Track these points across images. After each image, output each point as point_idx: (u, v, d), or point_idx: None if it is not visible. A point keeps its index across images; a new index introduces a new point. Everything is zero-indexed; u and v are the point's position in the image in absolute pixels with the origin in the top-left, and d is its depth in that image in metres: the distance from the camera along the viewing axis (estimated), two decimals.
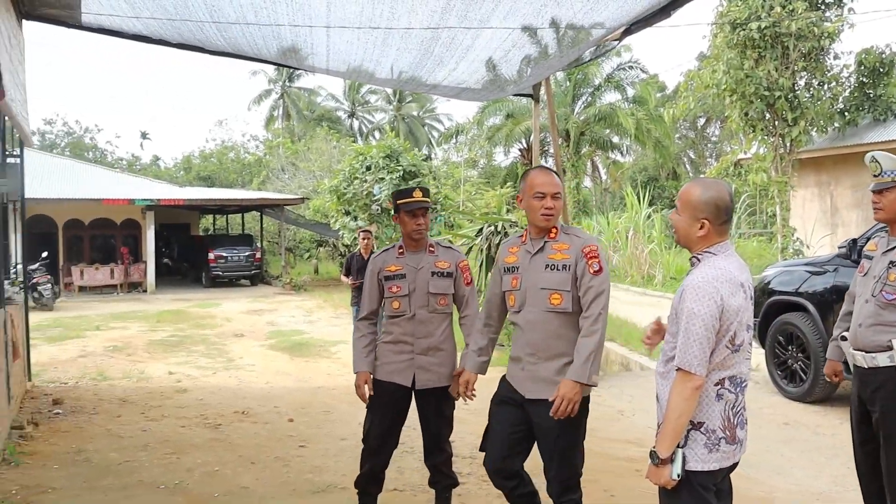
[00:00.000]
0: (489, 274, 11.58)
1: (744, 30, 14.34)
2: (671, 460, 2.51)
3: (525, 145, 35.28)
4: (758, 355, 7.89)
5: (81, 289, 20.74)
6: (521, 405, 3.30)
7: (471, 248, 12.49)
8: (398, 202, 3.91)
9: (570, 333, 3.22)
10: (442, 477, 4.06)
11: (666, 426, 2.52)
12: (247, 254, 22.86)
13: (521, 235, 3.41)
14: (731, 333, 2.53)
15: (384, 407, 3.93)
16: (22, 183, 8.19)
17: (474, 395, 3.65)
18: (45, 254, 17.87)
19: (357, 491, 4.04)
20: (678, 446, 2.52)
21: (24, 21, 7.52)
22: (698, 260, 2.63)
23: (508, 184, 21.28)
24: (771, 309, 7.46)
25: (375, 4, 5.13)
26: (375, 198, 17.72)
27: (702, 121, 39.18)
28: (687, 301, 2.52)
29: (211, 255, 22.19)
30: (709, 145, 41.63)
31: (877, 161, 3.48)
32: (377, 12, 5.22)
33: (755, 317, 7.64)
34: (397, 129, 45.66)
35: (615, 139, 34.00)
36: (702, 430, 2.55)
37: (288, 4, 5.32)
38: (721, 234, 2.61)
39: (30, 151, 22.54)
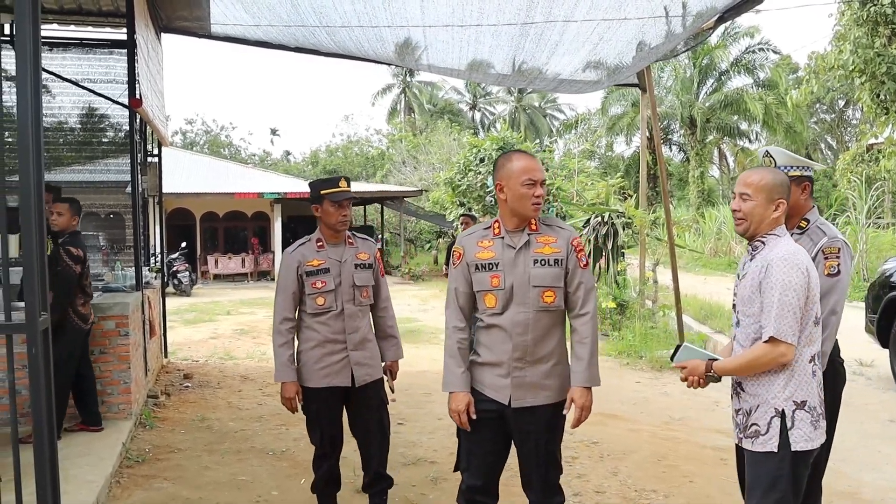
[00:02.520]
0: (595, 266, 11.69)
1: (875, 5, 13.51)
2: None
3: (648, 134, 34.56)
4: (870, 350, 7.64)
5: (216, 277, 22.29)
6: (501, 415, 3.01)
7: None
8: (322, 192, 3.67)
9: (557, 333, 3.01)
10: (380, 479, 3.93)
11: (732, 365, 2.69)
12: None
13: (490, 227, 3.06)
14: (816, 306, 2.62)
15: (327, 413, 3.77)
16: (160, 179, 9.03)
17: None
18: (184, 244, 19.37)
19: (316, 494, 3.95)
20: (786, 427, 2.57)
21: (162, 34, 8.31)
22: (763, 243, 2.68)
23: (618, 174, 20.98)
24: (892, 304, 7.06)
25: (465, 5, 5.41)
26: (489, 189, 18.00)
27: (841, 103, 36.86)
28: (777, 274, 2.55)
29: None
30: (849, 129, 39.13)
31: (771, 156, 3.45)
32: (467, 12, 5.49)
33: (873, 312, 7.32)
34: (518, 119, 45.79)
35: (743, 125, 32.70)
36: (805, 408, 2.59)
37: (386, 9, 5.69)
38: (784, 216, 2.73)
39: (173, 150, 24.38)
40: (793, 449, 2.57)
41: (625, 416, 6.48)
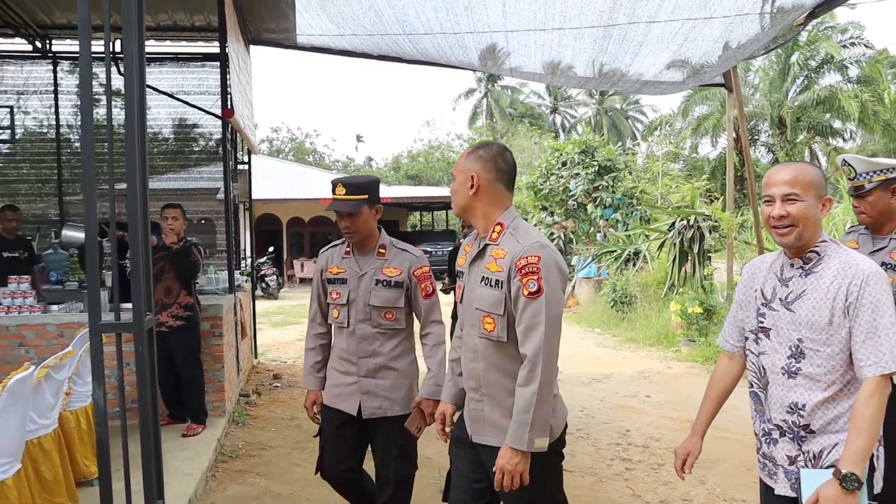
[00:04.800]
0: (681, 271, 11.44)
1: None
2: (862, 483, 2.07)
3: (735, 134, 33.52)
4: None
5: (302, 280, 22.89)
6: (475, 448, 2.55)
7: (663, 242, 12.31)
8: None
9: (514, 366, 2.40)
10: None
11: (862, 440, 2.07)
12: (450, 248, 23.83)
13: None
14: None
15: (333, 436, 3.29)
16: (249, 186, 9.36)
17: (449, 434, 2.73)
18: (271, 248, 19.98)
19: None
20: (872, 470, 2.16)
21: (251, 46, 8.64)
22: (817, 254, 2.23)
23: (704, 176, 20.42)
24: None
25: (548, 8, 5.41)
26: (571, 193, 17.88)
27: None
28: (879, 293, 2.11)
29: None
30: None
31: (850, 165, 3.22)
32: (549, 15, 5.49)
33: None
34: (600, 122, 45.23)
35: (836, 124, 31.38)
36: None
37: (468, 15, 5.75)
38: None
39: (260, 157, 25.19)
40: (875, 492, 2.18)
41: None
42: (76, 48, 9.45)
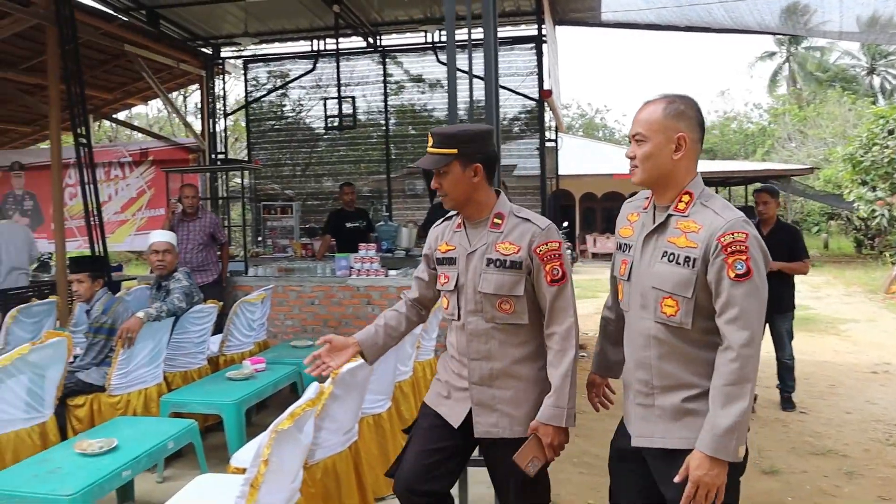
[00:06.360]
0: None
1: None
2: None
3: None
4: None
5: (594, 255, 23.17)
6: (642, 457, 2.19)
7: None
8: None
9: (697, 355, 2.06)
10: None
11: None
12: None
13: (649, 196, 2.23)
14: None
15: (423, 437, 2.54)
16: (556, 163, 9.74)
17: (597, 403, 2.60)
18: (566, 223, 20.46)
19: None
20: None
21: (556, 27, 8.95)
22: None
23: None
24: None
25: None
26: None
27: None
28: None
29: None
30: None
31: None
32: None
33: None
34: None
35: None
36: None
37: None
38: None
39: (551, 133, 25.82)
40: None
41: None
42: (399, 42, 10.43)
